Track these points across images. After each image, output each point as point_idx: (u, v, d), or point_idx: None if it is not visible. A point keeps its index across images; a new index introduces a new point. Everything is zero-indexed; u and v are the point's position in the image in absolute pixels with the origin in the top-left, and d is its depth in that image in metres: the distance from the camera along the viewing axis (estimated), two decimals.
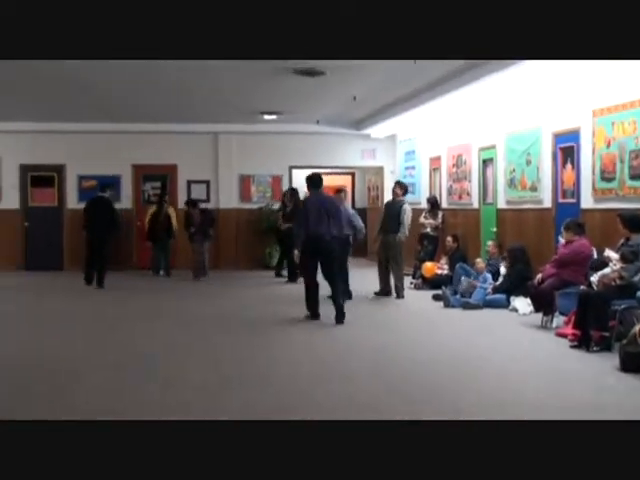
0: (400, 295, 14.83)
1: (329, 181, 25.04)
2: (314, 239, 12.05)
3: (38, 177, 21.16)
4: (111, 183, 19.12)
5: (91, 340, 10.65)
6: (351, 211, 15.32)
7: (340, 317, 11.79)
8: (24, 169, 21.05)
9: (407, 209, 15.22)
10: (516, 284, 12.98)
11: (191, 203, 19.23)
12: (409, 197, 16.63)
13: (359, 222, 14.94)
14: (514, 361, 9.00)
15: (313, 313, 12.14)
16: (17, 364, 8.97)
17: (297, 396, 7.40)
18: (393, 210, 15.31)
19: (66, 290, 16.73)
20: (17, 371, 8.61)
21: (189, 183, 21.39)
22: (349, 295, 14.03)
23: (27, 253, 20.91)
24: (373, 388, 7.70)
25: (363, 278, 16.65)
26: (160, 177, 21.42)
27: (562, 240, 11.64)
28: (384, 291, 15.08)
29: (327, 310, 11.98)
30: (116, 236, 17.84)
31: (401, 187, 15.75)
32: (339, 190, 15.79)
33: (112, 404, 7.06)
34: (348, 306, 12.32)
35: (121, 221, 18.11)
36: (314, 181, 12.67)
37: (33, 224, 20.84)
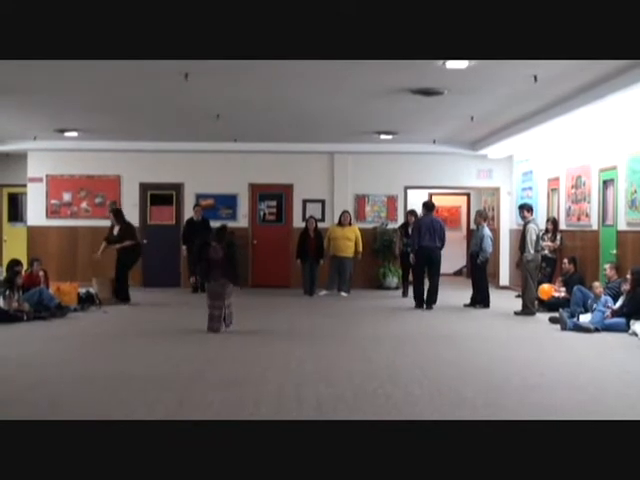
0: (524, 312, 15.23)
1: (445, 201, 25.16)
2: (425, 250, 16.29)
3: (157, 195, 21.63)
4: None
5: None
6: (487, 233, 16.82)
7: (430, 303, 16.32)
8: (144, 188, 21.54)
9: (530, 228, 15.41)
10: (636, 308, 12.65)
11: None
12: None
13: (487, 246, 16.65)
14: (633, 388, 8.72)
15: (419, 302, 16.44)
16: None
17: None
18: (523, 231, 15.58)
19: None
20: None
21: (304, 202, 21.52)
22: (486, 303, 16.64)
23: (145, 270, 21.03)
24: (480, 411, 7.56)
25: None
26: (276, 196, 21.66)
27: None
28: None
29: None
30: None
31: (527, 209, 15.94)
32: (481, 213, 17.96)
33: None
34: (473, 317, 15.23)
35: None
36: (428, 206, 17.08)
37: (151, 242, 21.04)
